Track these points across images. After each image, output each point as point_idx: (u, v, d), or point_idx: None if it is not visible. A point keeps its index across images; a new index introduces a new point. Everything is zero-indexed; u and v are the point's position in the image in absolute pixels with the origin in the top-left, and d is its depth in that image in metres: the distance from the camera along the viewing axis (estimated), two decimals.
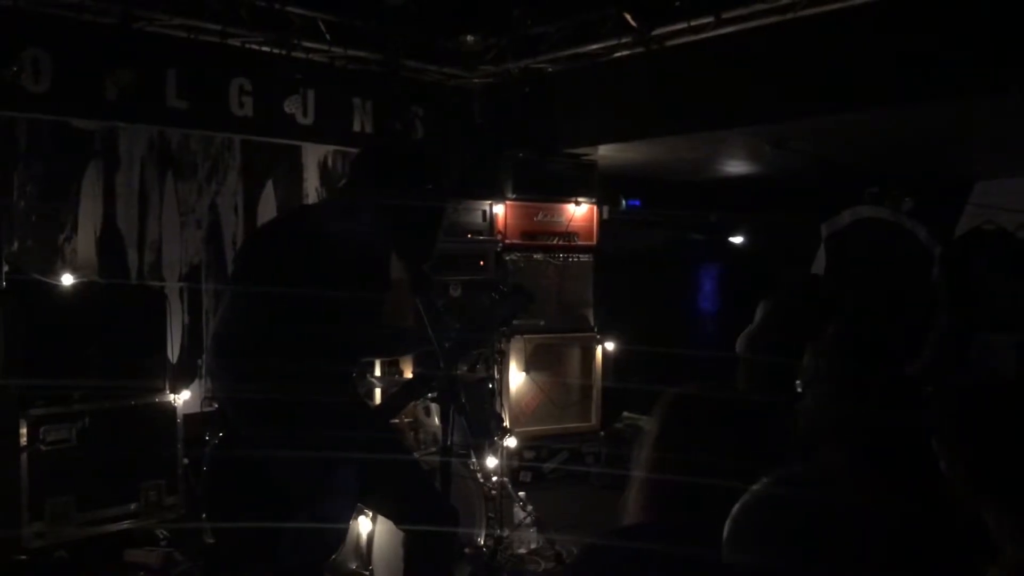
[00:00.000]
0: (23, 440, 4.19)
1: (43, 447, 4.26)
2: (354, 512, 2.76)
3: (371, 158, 2.72)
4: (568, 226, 6.36)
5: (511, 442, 4.92)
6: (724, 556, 1.40)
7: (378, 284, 2.73)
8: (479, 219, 6.13)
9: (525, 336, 6.00)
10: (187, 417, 4.81)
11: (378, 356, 3.03)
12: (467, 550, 4.04)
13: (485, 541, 4.19)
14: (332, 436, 2.49)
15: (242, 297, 2.58)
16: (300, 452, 2.45)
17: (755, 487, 1.41)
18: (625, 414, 6.73)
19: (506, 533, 4.48)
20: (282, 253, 2.57)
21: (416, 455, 4.05)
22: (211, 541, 3.96)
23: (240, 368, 2.52)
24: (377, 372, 5.71)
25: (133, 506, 4.53)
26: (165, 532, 4.58)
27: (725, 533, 1.39)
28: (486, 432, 4.43)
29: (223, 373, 2.57)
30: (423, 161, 2.71)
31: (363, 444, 2.56)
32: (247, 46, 5.56)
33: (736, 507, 1.40)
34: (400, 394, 3.00)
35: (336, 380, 2.62)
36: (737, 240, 8.07)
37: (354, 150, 6.25)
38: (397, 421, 4.37)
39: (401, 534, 3.55)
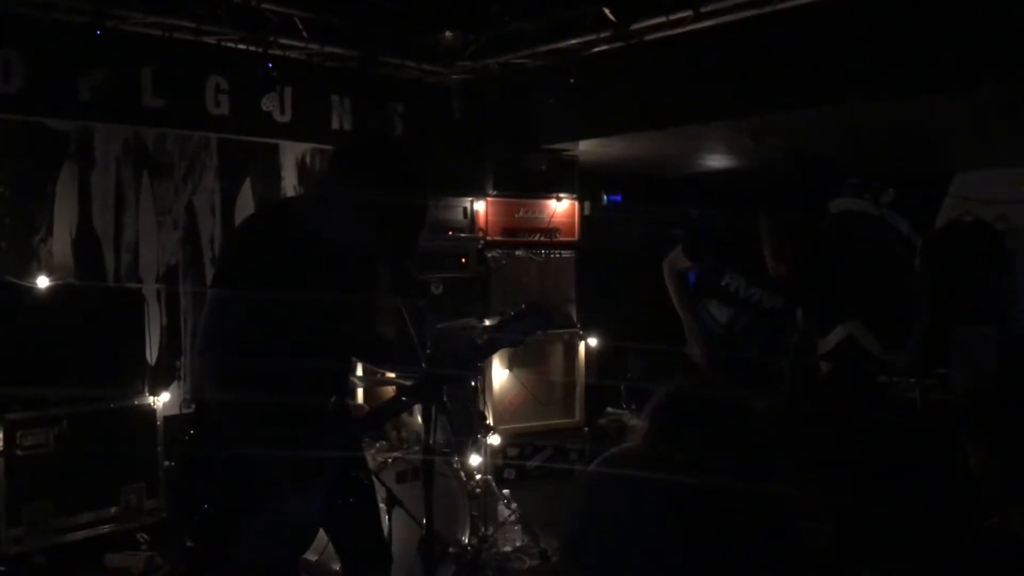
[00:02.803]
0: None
1: (20, 452, 4.21)
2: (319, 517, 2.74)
3: (352, 155, 2.67)
4: (549, 222, 6.35)
5: (495, 440, 4.91)
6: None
7: (364, 283, 2.70)
8: (460, 216, 6.11)
9: None
10: (167, 419, 4.77)
11: (370, 360, 2.99)
12: (451, 549, 4.02)
13: (469, 539, 4.18)
14: (310, 439, 2.46)
15: (225, 296, 2.52)
16: (273, 451, 2.41)
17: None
18: (609, 410, 6.73)
19: (490, 531, 4.48)
20: (266, 250, 2.51)
21: (399, 454, 4.04)
22: (191, 544, 3.91)
23: (224, 368, 2.47)
24: (359, 372, 5.68)
25: (113, 510, 4.49)
26: (145, 536, 4.54)
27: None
28: (469, 430, 4.41)
29: (206, 372, 2.54)
30: (406, 159, 2.67)
31: (337, 451, 2.55)
32: (223, 44, 5.51)
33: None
34: (389, 404, 2.98)
35: (322, 381, 2.59)
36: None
37: (332, 148, 6.22)
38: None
39: (385, 535, 3.55)
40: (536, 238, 6.32)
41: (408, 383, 2.97)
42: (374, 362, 3.03)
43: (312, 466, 2.48)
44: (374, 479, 3.73)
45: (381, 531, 2.91)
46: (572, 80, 5.99)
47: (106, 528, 4.45)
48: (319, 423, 2.54)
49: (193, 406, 2.73)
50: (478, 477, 4.55)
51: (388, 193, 2.50)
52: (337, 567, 3.80)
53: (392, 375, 5.47)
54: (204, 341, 2.50)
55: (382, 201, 2.49)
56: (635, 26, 5.34)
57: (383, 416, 3.07)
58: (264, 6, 5.29)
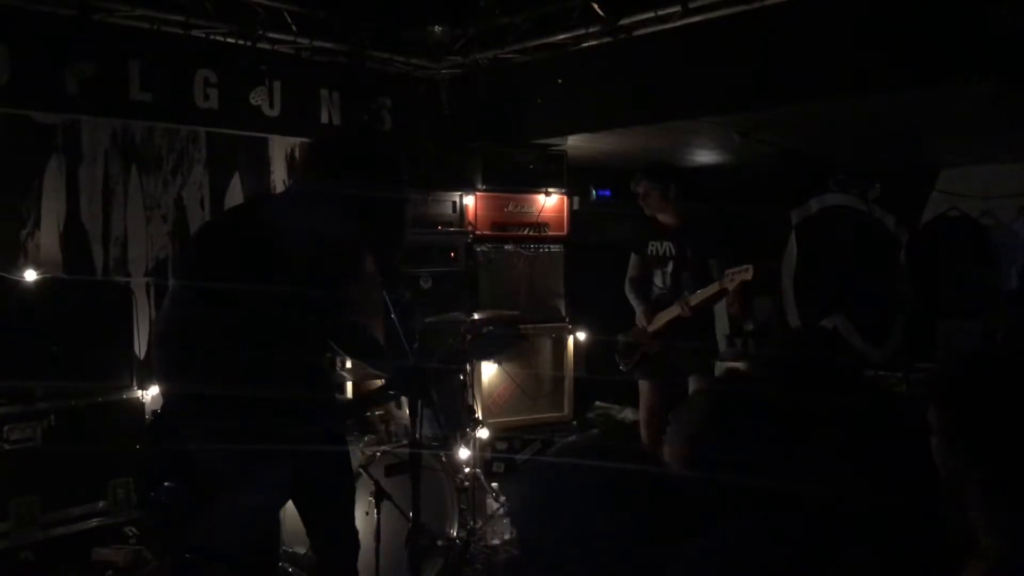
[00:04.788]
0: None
1: (6, 446, 4.19)
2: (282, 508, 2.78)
3: (333, 148, 2.66)
4: (539, 217, 6.35)
5: (483, 433, 4.92)
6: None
7: (342, 276, 2.72)
8: (449, 210, 6.10)
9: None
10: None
11: (347, 352, 3.01)
12: (439, 542, 4.03)
13: (458, 533, 4.19)
14: (274, 431, 2.47)
15: (185, 289, 2.56)
16: (230, 442, 2.45)
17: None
18: (597, 404, 6.75)
19: (479, 524, 4.49)
20: (228, 246, 2.54)
21: (387, 447, 4.04)
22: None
23: (181, 360, 2.51)
24: (348, 364, 5.69)
25: (101, 504, 4.48)
26: (134, 530, 4.53)
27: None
28: (456, 424, 4.42)
29: (163, 364, 2.55)
30: (386, 153, 2.68)
31: (307, 442, 2.58)
32: (211, 37, 5.50)
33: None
34: (371, 395, 3.02)
35: (288, 373, 2.58)
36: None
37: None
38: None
39: (371, 528, 3.57)
40: (525, 232, 6.33)
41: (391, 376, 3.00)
42: (351, 355, 3.05)
43: (271, 457, 2.50)
44: (362, 472, 3.75)
45: (351, 521, 2.94)
46: (560, 81, 6.01)
47: (94, 522, 4.44)
48: (284, 414, 2.53)
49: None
50: (467, 471, 4.56)
51: (369, 187, 2.51)
52: None
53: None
54: (162, 334, 2.56)
55: (363, 195, 2.50)
56: (624, 21, 5.36)
57: (363, 406, 3.11)
58: (253, 0, 5.28)
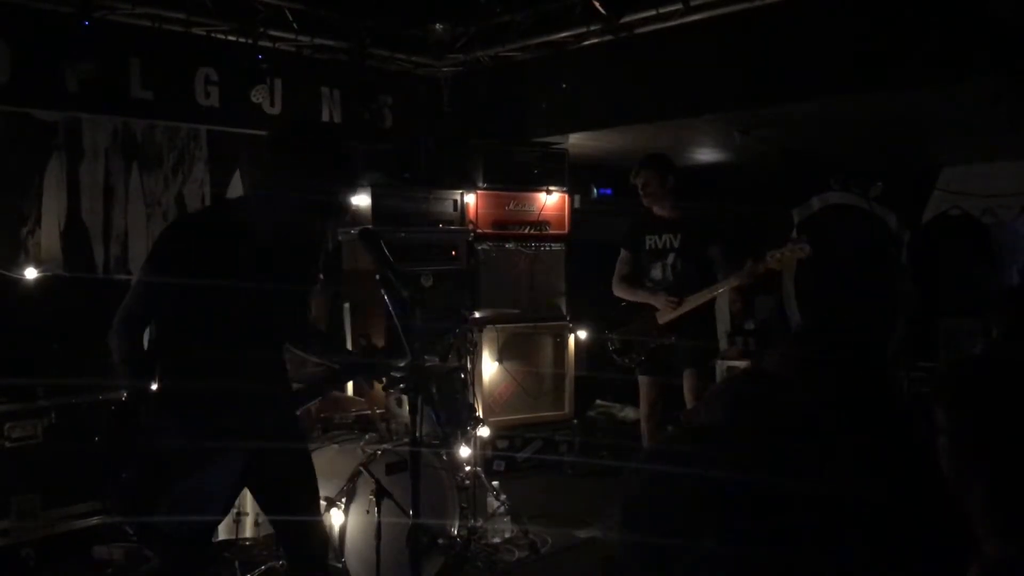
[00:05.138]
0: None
1: (8, 444, 4.20)
2: (236, 497, 2.94)
3: (288, 146, 2.69)
4: (539, 215, 6.35)
5: (484, 432, 4.92)
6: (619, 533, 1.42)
7: (301, 274, 2.83)
8: (450, 208, 6.10)
9: (498, 326, 6.00)
10: None
11: (300, 347, 3.12)
12: (440, 540, 4.03)
13: (458, 531, 4.18)
14: (226, 421, 2.61)
15: (144, 283, 2.70)
16: (189, 431, 2.58)
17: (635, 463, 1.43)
18: (598, 402, 6.75)
19: (480, 523, 4.49)
20: (198, 242, 2.62)
21: (388, 446, 4.04)
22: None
23: (138, 350, 2.67)
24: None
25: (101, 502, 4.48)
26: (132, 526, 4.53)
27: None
28: (456, 422, 4.42)
29: (122, 353, 2.68)
30: (338, 145, 2.75)
31: (259, 436, 2.68)
32: (212, 35, 5.50)
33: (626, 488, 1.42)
34: (319, 385, 3.10)
35: (245, 364, 2.67)
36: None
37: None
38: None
39: (374, 526, 3.57)
40: (526, 231, 6.32)
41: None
42: (302, 348, 3.15)
43: (223, 446, 2.62)
44: (363, 470, 3.75)
45: (314, 512, 3.00)
46: (565, 85, 6.01)
47: (94, 520, 4.44)
48: (237, 405, 2.64)
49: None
50: (467, 469, 4.55)
51: (323, 182, 2.59)
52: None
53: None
54: (122, 325, 2.67)
55: (318, 190, 2.59)
56: (625, 19, 5.35)
57: (313, 394, 3.20)
58: None
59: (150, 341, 2.73)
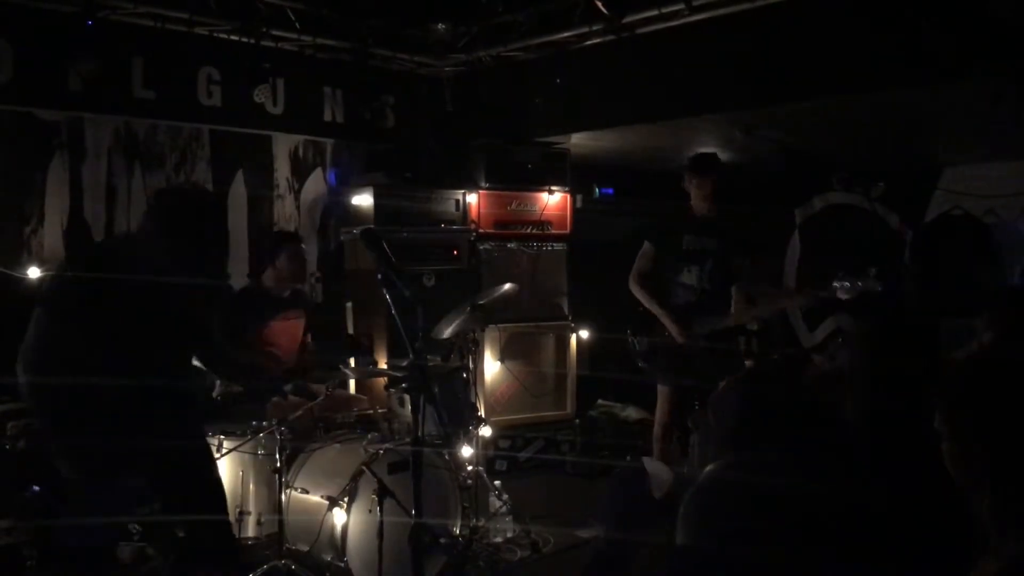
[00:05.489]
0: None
1: (10, 443, 4.19)
2: (136, 512, 3.23)
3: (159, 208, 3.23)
4: (541, 215, 6.35)
5: (486, 431, 4.92)
6: (677, 537, 1.41)
7: (186, 305, 3.09)
8: (452, 208, 6.11)
9: (500, 325, 6.00)
10: None
11: (210, 368, 3.52)
12: (442, 540, 4.03)
13: (460, 530, 4.19)
14: (130, 443, 2.83)
15: (47, 318, 3.05)
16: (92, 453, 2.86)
17: (706, 471, 1.42)
18: (600, 402, 6.75)
19: (482, 522, 4.49)
20: (88, 279, 2.99)
21: (390, 445, 4.05)
22: (182, 535, 3.94)
23: (42, 375, 2.95)
24: (351, 363, 5.69)
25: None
26: (137, 527, 4.53)
27: (680, 514, 1.40)
28: (458, 421, 4.42)
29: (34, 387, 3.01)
30: (209, 216, 3.23)
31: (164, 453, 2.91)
32: (215, 35, 5.50)
33: (689, 491, 1.41)
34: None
35: (150, 392, 2.90)
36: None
37: (326, 140, 6.23)
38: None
39: (376, 525, 3.57)
40: (528, 231, 6.33)
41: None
42: (213, 371, 3.58)
43: (125, 468, 2.91)
44: (365, 469, 3.76)
45: (217, 515, 3.21)
46: (559, 80, 6.01)
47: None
48: (140, 428, 2.86)
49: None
50: (469, 468, 4.56)
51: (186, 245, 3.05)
52: (329, 558, 3.82)
53: (383, 366, 5.50)
54: (26, 356, 3.01)
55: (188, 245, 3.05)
56: (627, 19, 5.35)
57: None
58: None
59: (46, 367, 3.00)
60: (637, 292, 4.78)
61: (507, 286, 4.92)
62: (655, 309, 4.68)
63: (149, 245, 3.06)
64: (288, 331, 4.78)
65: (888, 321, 4.14)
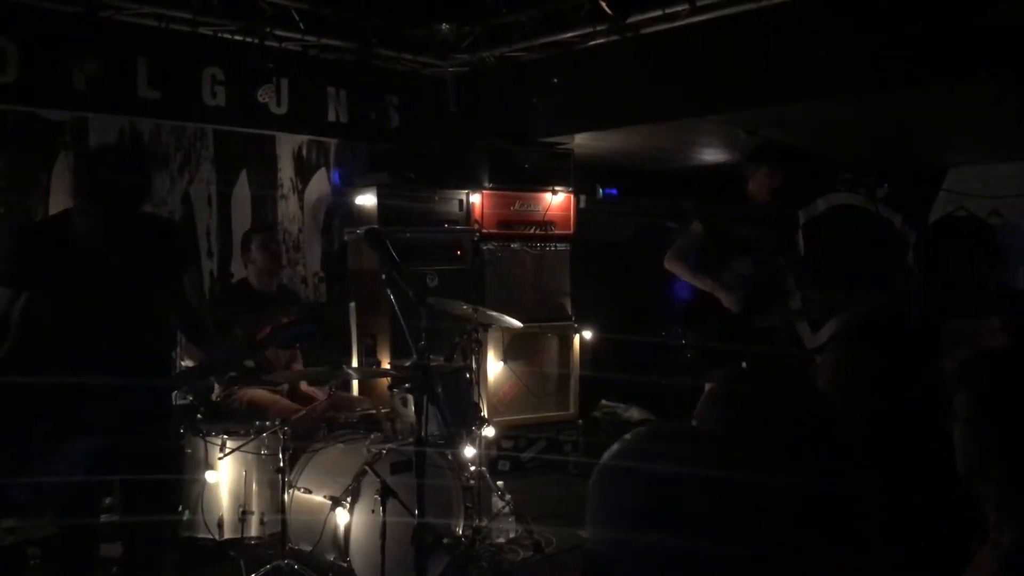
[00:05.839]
0: None
1: None
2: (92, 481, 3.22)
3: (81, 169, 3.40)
4: (545, 215, 6.35)
5: (489, 431, 4.92)
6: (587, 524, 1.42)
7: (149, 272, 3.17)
8: (456, 208, 6.11)
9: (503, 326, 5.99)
10: None
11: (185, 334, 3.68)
12: (445, 540, 4.04)
13: (463, 531, 4.19)
14: (83, 406, 2.93)
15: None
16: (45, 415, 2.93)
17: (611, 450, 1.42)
18: (603, 402, 6.75)
19: (484, 523, 4.49)
20: (40, 246, 3.08)
21: (393, 445, 4.05)
22: (186, 535, 3.95)
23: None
24: (354, 363, 5.70)
25: (107, 500, 4.48)
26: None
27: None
28: (461, 422, 4.42)
29: None
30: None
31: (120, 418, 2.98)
32: (219, 35, 5.51)
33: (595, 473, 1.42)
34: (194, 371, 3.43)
35: (111, 357, 2.97)
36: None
37: (330, 140, 6.24)
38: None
39: (379, 526, 3.57)
40: (531, 231, 6.33)
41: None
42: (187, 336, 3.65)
43: (79, 430, 2.96)
44: (367, 469, 3.76)
45: (165, 504, 3.34)
46: (556, 80, 6.01)
47: (100, 518, 4.44)
48: (94, 392, 2.93)
49: None
50: (472, 469, 4.56)
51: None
52: (332, 558, 3.83)
53: (386, 366, 5.51)
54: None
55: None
56: (631, 19, 5.35)
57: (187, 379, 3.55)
58: None
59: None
60: (678, 268, 4.41)
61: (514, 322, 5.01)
62: (704, 283, 4.32)
63: (83, 214, 3.15)
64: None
65: (890, 321, 4.14)
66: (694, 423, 1.83)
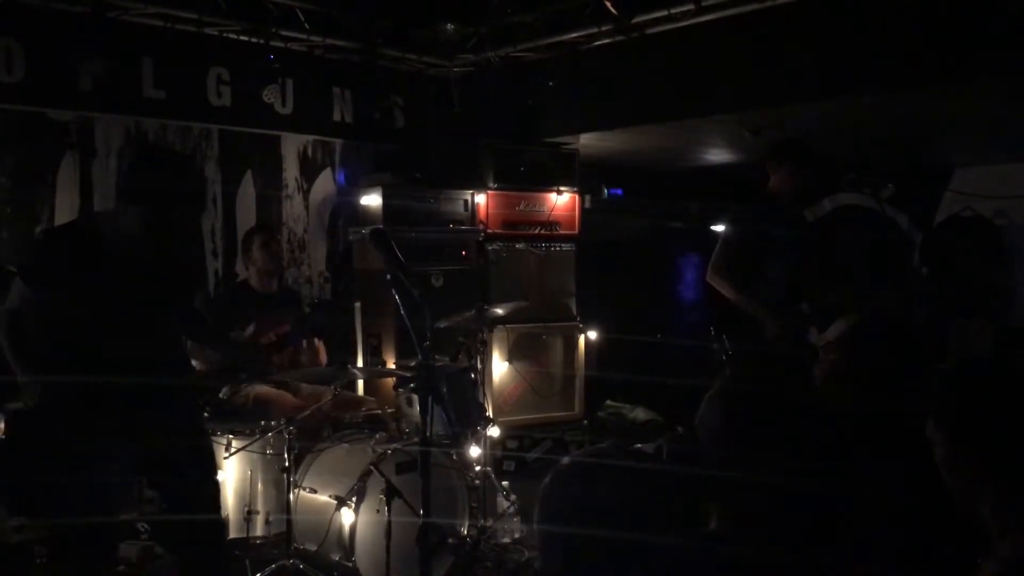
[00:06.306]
0: (0, 434, 4.15)
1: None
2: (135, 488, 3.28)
3: (134, 170, 3.15)
4: (550, 215, 6.35)
5: (494, 432, 4.92)
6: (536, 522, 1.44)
7: (173, 277, 3.17)
8: (460, 209, 6.11)
9: (508, 326, 6.00)
10: None
11: (193, 339, 3.60)
12: (450, 540, 4.04)
13: (468, 531, 4.19)
14: (121, 416, 2.85)
15: (32, 293, 2.97)
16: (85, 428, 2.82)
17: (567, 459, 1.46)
18: (608, 403, 6.75)
19: (489, 523, 4.49)
20: (72, 249, 2.96)
21: (398, 445, 4.05)
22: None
23: (31, 354, 2.93)
24: (359, 363, 5.70)
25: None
26: (146, 525, 4.54)
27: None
28: (466, 422, 4.42)
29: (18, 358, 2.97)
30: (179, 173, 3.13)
31: (156, 427, 2.93)
32: (224, 35, 5.51)
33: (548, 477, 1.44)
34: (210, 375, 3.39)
35: (141, 364, 2.92)
36: (718, 229, 8.08)
37: (335, 140, 6.24)
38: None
39: (384, 525, 3.58)
40: (536, 231, 6.32)
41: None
42: (196, 341, 3.61)
43: (118, 440, 2.89)
44: (372, 469, 3.76)
45: (210, 506, 3.20)
46: (551, 83, 6.01)
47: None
48: (131, 401, 2.88)
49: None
50: (477, 469, 4.56)
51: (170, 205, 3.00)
52: (337, 558, 3.83)
53: (391, 366, 5.51)
54: (12, 330, 2.95)
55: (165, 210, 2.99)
56: (636, 19, 5.34)
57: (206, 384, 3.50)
58: None
59: (34, 341, 2.98)
60: (725, 287, 4.19)
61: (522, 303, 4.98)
62: (753, 306, 4.13)
63: (121, 216, 3.04)
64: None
65: (895, 323, 4.13)
66: (697, 423, 1.84)
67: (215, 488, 3.33)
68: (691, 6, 5.07)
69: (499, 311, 4.82)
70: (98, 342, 2.88)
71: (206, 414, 4.06)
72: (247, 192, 5.82)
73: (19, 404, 3.31)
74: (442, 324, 4.46)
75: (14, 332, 2.97)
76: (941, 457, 1.57)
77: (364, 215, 5.98)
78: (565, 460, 1.58)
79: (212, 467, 3.37)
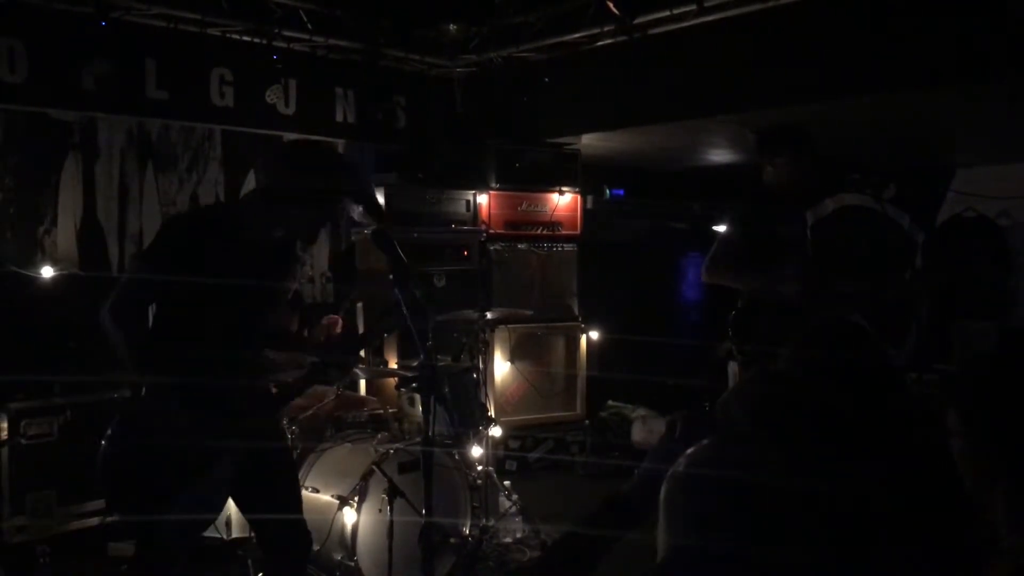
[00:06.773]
0: (3, 434, 4.18)
1: (24, 441, 4.23)
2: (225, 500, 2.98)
3: (285, 161, 2.86)
4: (552, 216, 6.35)
5: (496, 432, 4.92)
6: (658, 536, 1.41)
7: (282, 273, 2.94)
8: (463, 209, 6.12)
9: (510, 326, 6.00)
10: None
11: (278, 346, 3.23)
12: (452, 540, 4.04)
13: (470, 531, 4.19)
14: (222, 425, 2.65)
15: (148, 280, 2.72)
16: (189, 431, 2.60)
17: (677, 468, 1.41)
18: (610, 403, 6.75)
19: (491, 522, 4.49)
20: (198, 238, 2.71)
21: (401, 445, 4.06)
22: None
23: (158, 353, 2.68)
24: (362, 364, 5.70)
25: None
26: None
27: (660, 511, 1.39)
28: (468, 422, 4.42)
29: (129, 355, 2.69)
30: (332, 162, 2.96)
31: (249, 436, 2.74)
32: (227, 36, 5.52)
33: (664, 487, 1.40)
34: (300, 380, 3.15)
35: (246, 367, 2.79)
36: (720, 229, 8.09)
37: (338, 140, 6.25)
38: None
39: (386, 525, 3.58)
40: (539, 231, 6.33)
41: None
42: (276, 347, 3.24)
43: (218, 451, 2.69)
44: (375, 469, 3.77)
45: (296, 512, 3.03)
46: (547, 79, 6.01)
47: (110, 517, 4.47)
48: (231, 402, 2.72)
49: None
50: (479, 469, 4.56)
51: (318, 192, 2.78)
52: (339, 557, 3.83)
53: (394, 366, 5.52)
54: (119, 312, 2.69)
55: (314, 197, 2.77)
56: (639, 20, 5.34)
57: (287, 397, 3.26)
58: None
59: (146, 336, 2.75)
60: (726, 278, 3.95)
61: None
62: (760, 280, 3.85)
63: (256, 205, 2.83)
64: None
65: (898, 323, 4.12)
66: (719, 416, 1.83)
67: (300, 492, 3.18)
68: (693, 7, 5.07)
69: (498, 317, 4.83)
70: (213, 337, 2.68)
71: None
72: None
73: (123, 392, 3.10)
74: (441, 318, 4.45)
75: (128, 317, 2.69)
76: (958, 449, 1.56)
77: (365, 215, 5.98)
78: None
79: (296, 471, 3.30)
